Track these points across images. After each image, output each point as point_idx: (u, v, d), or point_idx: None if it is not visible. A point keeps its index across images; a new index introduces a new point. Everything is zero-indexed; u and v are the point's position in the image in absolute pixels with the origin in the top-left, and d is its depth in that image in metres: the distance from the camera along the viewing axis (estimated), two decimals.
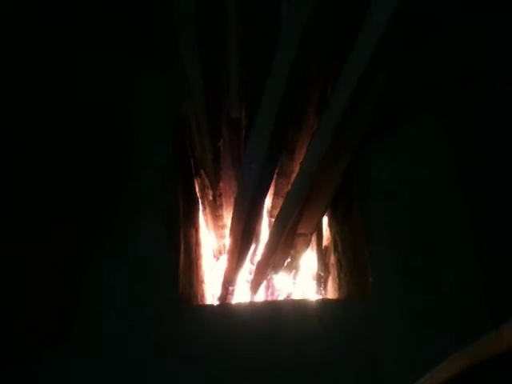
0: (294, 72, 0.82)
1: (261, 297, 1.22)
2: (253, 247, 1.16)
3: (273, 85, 0.85)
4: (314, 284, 1.28)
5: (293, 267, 1.20)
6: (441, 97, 1.09)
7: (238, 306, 1.00)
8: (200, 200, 1.18)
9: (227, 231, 1.21)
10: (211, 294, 1.31)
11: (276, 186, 1.08)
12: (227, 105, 0.96)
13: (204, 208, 1.19)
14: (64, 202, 0.97)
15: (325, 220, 1.21)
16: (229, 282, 1.10)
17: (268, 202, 1.15)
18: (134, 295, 0.89)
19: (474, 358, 0.71)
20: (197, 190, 1.16)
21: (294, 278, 1.26)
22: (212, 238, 1.27)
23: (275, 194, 1.11)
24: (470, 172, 0.98)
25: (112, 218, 0.96)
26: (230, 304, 1.05)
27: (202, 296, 1.21)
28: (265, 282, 1.19)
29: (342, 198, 1.07)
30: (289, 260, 1.17)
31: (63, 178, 0.99)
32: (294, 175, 1.06)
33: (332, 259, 1.18)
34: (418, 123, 1.05)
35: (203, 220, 1.26)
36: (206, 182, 1.08)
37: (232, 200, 1.08)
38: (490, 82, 1.09)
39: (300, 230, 1.10)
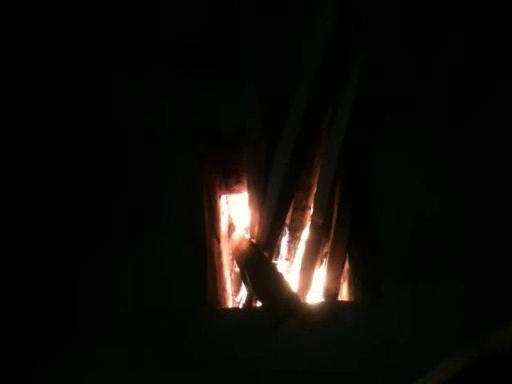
0: (311, 101, 0.93)
1: None
2: None
3: (294, 111, 0.95)
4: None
5: None
6: (444, 97, 1.15)
7: (261, 309, 1.07)
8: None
9: None
10: (232, 300, 1.39)
11: (295, 200, 1.17)
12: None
13: None
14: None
15: None
16: None
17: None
18: (168, 300, 0.98)
19: (479, 354, 0.76)
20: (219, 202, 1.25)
21: None
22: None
23: (294, 208, 1.19)
24: (472, 172, 1.06)
25: (143, 229, 1.05)
26: (254, 308, 1.14)
27: (225, 301, 1.29)
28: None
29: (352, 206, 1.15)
30: None
31: (78, 186, 1.08)
32: (311, 189, 1.15)
33: (347, 266, 1.25)
34: (419, 124, 1.11)
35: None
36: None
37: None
38: (493, 83, 1.16)
39: None
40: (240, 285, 1.42)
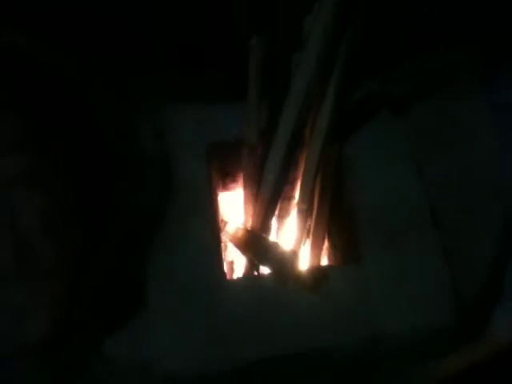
0: (300, 110, 1.19)
1: None
2: None
3: (286, 118, 1.21)
4: None
5: None
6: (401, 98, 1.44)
7: (263, 277, 1.36)
8: None
9: None
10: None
11: (283, 192, 1.43)
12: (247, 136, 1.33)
13: None
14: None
15: None
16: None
17: None
18: (196, 273, 1.22)
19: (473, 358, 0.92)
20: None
21: None
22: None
23: (282, 199, 1.45)
24: (428, 165, 1.35)
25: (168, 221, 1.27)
26: (257, 276, 1.42)
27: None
28: None
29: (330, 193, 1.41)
30: None
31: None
32: (296, 182, 1.42)
33: (327, 244, 1.54)
34: (382, 124, 1.41)
35: None
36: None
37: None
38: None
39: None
40: (232, 269, 1.69)
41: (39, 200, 0.95)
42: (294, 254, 1.23)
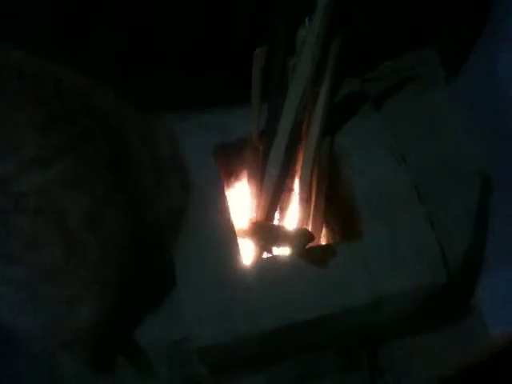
0: (299, 108, 1.36)
1: None
2: None
3: (285, 119, 1.38)
4: None
5: None
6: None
7: (274, 258, 1.51)
8: None
9: None
10: None
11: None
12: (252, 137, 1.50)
13: None
14: None
15: None
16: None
17: None
18: (217, 259, 1.37)
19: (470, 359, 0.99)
20: None
21: None
22: None
23: (284, 191, 1.62)
24: (409, 152, 1.52)
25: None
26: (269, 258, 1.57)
27: None
28: None
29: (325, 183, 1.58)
30: None
31: None
32: (296, 175, 1.60)
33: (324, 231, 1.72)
34: (367, 119, 1.56)
35: None
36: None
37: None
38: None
39: None
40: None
41: (81, 201, 1.07)
42: (303, 231, 1.40)
